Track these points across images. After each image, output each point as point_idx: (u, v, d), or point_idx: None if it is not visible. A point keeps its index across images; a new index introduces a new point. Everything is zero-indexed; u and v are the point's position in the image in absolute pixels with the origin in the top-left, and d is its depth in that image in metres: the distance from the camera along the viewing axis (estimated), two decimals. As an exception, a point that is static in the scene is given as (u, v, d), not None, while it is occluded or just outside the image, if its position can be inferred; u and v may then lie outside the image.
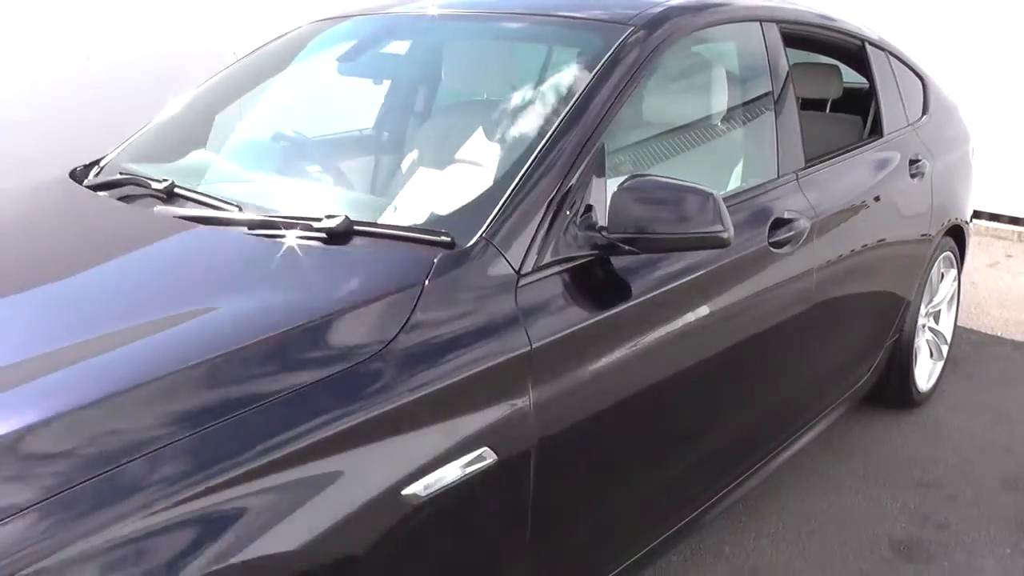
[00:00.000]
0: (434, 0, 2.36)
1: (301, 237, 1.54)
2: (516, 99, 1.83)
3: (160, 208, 1.79)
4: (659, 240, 1.56)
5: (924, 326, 3.30)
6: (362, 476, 1.22)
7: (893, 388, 3.17)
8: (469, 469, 1.35)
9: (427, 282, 1.40)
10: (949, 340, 3.53)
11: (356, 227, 1.55)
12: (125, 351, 1.22)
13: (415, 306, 1.36)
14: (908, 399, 3.25)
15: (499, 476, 1.41)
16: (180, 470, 1.08)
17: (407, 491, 1.27)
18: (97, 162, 2.36)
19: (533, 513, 1.50)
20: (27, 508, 0.99)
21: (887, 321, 2.91)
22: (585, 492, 1.65)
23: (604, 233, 1.57)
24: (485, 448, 1.37)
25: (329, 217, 1.56)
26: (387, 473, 1.25)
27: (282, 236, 1.55)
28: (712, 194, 1.57)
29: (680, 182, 1.58)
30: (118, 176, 2.03)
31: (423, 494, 1.29)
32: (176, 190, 1.86)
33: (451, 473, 1.33)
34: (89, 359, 1.21)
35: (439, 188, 1.72)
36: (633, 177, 1.60)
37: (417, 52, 2.29)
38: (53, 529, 0.99)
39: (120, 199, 1.92)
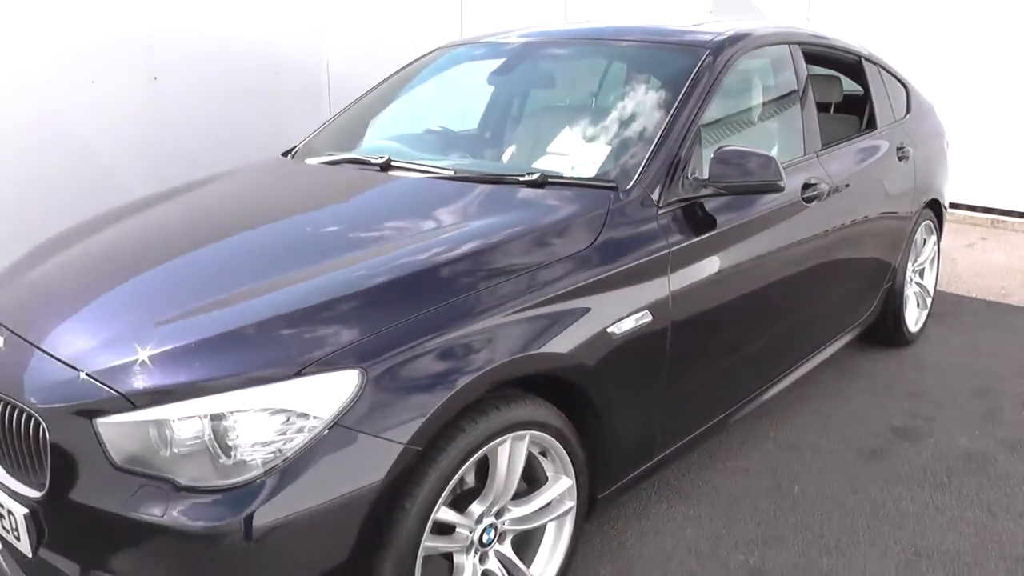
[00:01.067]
0: (549, 28, 3.27)
1: (516, 184, 2.43)
2: (640, 97, 2.71)
3: (398, 172, 2.66)
4: (739, 186, 2.42)
5: (911, 279, 4.17)
6: (590, 315, 2.08)
7: (888, 327, 4.04)
8: (639, 322, 2.21)
9: (610, 208, 2.27)
10: (932, 294, 4.41)
11: (550, 179, 2.42)
12: (461, 233, 2.12)
13: (605, 221, 2.23)
14: (901, 338, 4.12)
15: (652, 330, 2.26)
16: (503, 298, 1.94)
17: (610, 329, 2.12)
18: (291, 150, 3.23)
19: (668, 362, 2.36)
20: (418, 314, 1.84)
21: (883, 269, 3.78)
22: (694, 355, 2.50)
23: (705, 181, 2.44)
24: (646, 311, 2.23)
25: (529, 174, 2.43)
26: (601, 316, 2.10)
27: (500, 185, 2.43)
28: (772, 157, 2.43)
29: (752, 149, 2.44)
30: (345, 156, 2.89)
31: (617, 332, 2.14)
32: (393, 163, 2.73)
33: (629, 323, 2.18)
34: (443, 238, 2.11)
35: (597, 155, 2.58)
36: (722, 147, 2.47)
37: (557, 65, 3.16)
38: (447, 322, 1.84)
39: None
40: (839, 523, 2.72)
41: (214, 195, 2.77)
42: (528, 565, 2.12)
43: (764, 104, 3.17)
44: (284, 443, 1.67)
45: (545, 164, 2.64)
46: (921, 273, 4.31)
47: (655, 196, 2.37)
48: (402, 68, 3.56)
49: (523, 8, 6.42)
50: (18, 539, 1.83)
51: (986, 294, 5.12)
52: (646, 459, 2.46)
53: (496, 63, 3.29)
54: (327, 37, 5.17)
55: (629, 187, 2.37)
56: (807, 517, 2.75)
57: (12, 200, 3.97)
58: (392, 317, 1.82)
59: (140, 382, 1.71)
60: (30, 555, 1.82)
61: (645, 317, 2.22)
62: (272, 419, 1.68)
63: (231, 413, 1.67)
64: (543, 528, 2.16)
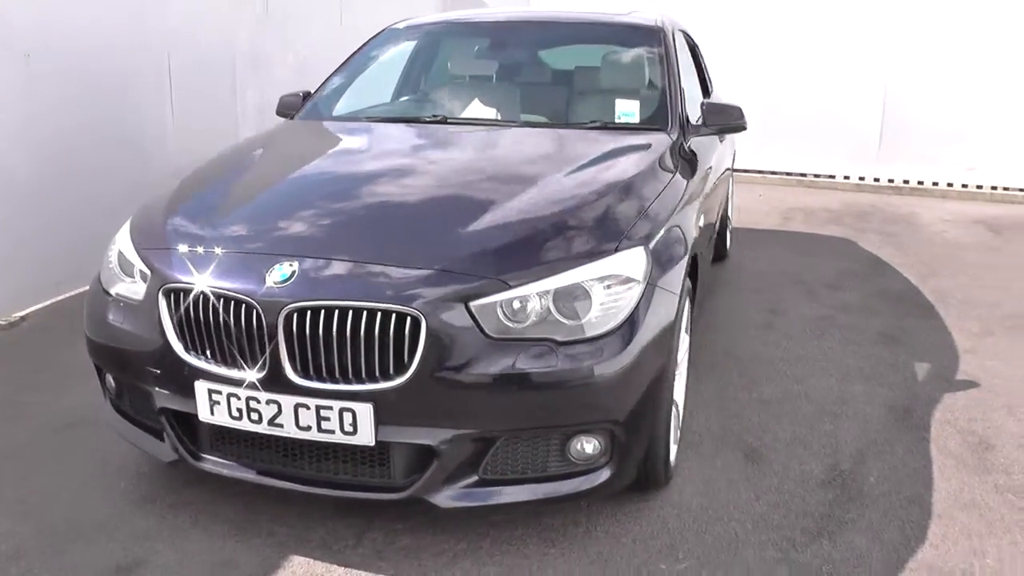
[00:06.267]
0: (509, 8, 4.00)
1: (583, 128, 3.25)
2: (633, 67, 3.60)
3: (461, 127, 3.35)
4: (726, 127, 3.43)
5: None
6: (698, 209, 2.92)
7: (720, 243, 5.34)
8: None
9: (671, 138, 3.15)
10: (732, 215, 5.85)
11: (608, 125, 3.26)
12: (626, 158, 2.89)
13: (673, 145, 3.11)
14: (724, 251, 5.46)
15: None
16: (679, 197, 2.74)
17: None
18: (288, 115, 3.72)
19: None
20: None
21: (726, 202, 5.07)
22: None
23: (701, 125, 3.40)
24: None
25: (593, 121, 3.24)
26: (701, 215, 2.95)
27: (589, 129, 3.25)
28: (739, 106, 3.45)
29: (728, 103, 3.45)
30: (400, 115, 3.58)
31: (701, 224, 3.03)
32: (448, 121, 3.40)
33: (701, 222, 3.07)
34: (622, 161, 2.86)
35: (628, 108, 3.38)
36: (705, 101, 3.44)
37: (542, 41, 3.94)
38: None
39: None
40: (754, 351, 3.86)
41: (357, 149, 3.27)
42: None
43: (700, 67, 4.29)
44: (622, 300, 2.23)
45: (579, 116, 3.49)
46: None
47: (676, 132, 3.30)
48: (373, 41, 4.01)
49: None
50: (354, 432, 2.14)
51: (773, 225, 6.76)
52: None
53: (476, 39, 3.99)
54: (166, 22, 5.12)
55: (669, 128, 3.28)
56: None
57: None
58: (640, 212, 2.53)
59: (506, 268, 2.19)
60: (372, 443, 2.15)
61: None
62: (607, 285, 2.23)
63: (581, 283, 2.20)
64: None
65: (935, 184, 8.36)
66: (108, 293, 2.52)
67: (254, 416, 2.19)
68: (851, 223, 6.90)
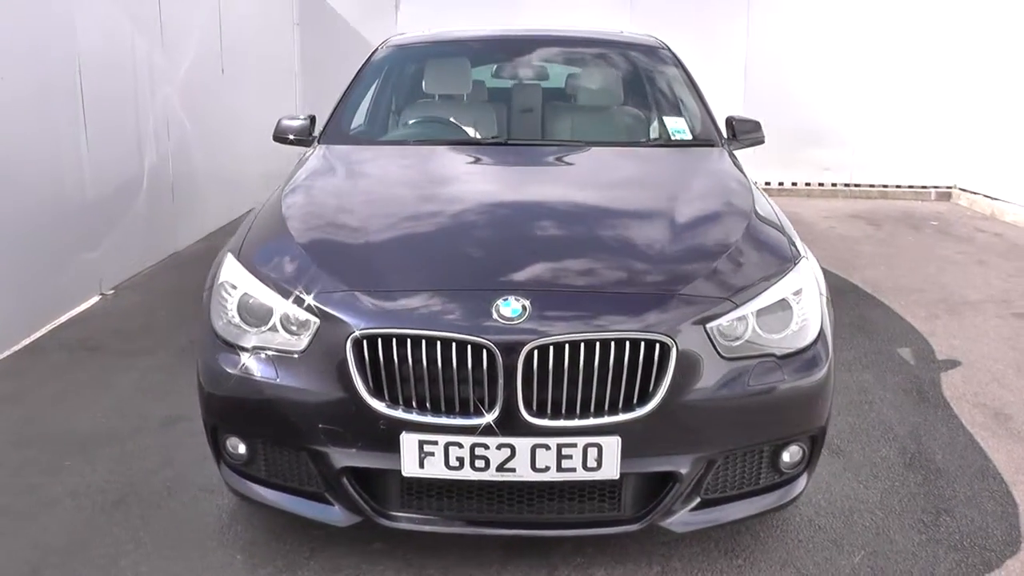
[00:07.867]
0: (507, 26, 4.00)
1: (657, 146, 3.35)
2: (668, 81, 3.73)
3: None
4: (753, 140, 3.64)
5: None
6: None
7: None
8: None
9: (728, 150, 3.34)
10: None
11: (669, 143, 3.36)
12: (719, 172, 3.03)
13: (733, 157, 3.27)
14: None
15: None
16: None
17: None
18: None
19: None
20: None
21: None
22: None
23: (733, 139, 3.59)
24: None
25: (652, 137, 3.33)
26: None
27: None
28: (757, 120, 3.67)
29: (744, 116, 3.65)
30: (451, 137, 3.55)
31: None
32: (509, 141, 3.45)
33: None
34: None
35: (676, 125, 3.51)
36: (729, 116, 3.64)
37: (559, 59, 3.98)
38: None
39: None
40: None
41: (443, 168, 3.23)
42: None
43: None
44: (809, 310, 2.33)
45: (636, 134, 3.63)
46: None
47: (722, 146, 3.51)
48: (376, 63, 3.88)
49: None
50: (598, 468, 2.08)
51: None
52: None
53: (494, 57, 3.97)
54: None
55: (721, 143, 3.46)
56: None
57: None
58: (781, 224, 2.69)
59: (729, 287, 2.25)
60: (616, 476, 2.11)
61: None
62: (798, 299, 2.32)
63: (785, 298, 2.29)
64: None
65: (795, 184, 9.17)
66: (241, 347, 2.26)
67: (479, 463, 2.07)
68: (745, 224, 7.43)
